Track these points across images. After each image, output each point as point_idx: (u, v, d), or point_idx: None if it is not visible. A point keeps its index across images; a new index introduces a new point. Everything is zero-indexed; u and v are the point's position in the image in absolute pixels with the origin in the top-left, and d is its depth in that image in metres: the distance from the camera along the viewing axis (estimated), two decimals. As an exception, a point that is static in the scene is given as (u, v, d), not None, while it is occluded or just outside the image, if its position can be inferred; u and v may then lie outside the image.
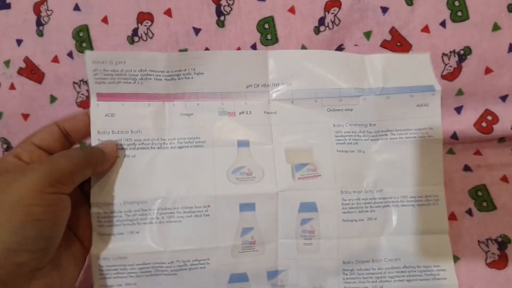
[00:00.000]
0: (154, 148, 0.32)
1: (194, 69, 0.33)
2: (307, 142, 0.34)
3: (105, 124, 0.32)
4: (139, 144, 0.32)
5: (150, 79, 0.32)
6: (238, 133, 0.34)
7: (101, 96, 0.32)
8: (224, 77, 0.34)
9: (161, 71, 0.32)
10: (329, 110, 0.34)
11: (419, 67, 0.35)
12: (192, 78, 0.33)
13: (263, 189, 0.32)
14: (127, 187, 0.31)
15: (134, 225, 0.31)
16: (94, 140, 0.32)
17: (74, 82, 0.39)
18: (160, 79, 0.33)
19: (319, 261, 0.33)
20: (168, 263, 0.31)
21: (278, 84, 0.34)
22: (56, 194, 0.25)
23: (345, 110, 0.34)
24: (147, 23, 0.38)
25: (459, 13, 0.37)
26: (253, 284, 0.33)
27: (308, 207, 0.33)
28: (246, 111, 0.34)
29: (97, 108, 0.32)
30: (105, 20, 0.39)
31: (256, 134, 0.34)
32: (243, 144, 0.33)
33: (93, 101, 0.32)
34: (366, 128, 0.34)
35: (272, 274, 0.33)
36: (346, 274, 0.33)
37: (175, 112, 0.33)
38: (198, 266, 0.32)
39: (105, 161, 0.30)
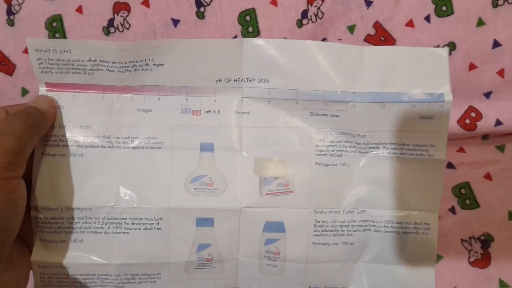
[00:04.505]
0: (104, 147, 0.29)
1: (152, 60, 0.28)
2: (282, 151, 0.30)
3: None
4: (88, 141, 0.29)
5: (102, 70, 0.28)
6: (202, 135, 0.29)
7: (51, 86, 0.29)
8: (190, 69, 0.29)
9: (113, 62, 0.28)
10: (312, 114, 0.30)
11: (431, 66, 0.29)
12: (151, 69, 0.29)
13: (224, 203, 0.29)
14: (70, 191, 0.28)
15: (77, 233, 0.29)
16: None
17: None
18: (113, 71, 0.29)
19: (282, 284, 0.30)
20: (115, 275, 0.29)
21: (254, 80, 0.29)
22: (13, 179, 0.24)
23: (331, 116, 0.29)
24: (123, 13, 0.37)
25: (444, 8, 0.36)
26: None
27: (274, 227, 0.29)
28: (214, 110, 0.30)
29: None
30: (79, 9, 0.37)
31: (223, 137, 0.30)
32: (207, 148, 0.29)
33: (42, 91, 0.29)
34: (354, 139, 0.30)
35: None
36: None
37: (131, 107, 0.29)
38: (148, 281, 0.29)
39: (46, 121, 0.28)
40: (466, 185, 0.38)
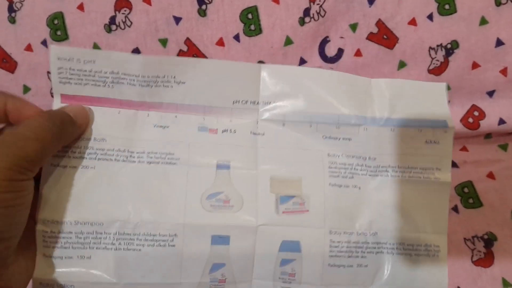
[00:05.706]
0: (118, 160, 0.28)
1: (174, 77, 0.29)
2: (297, 171, 0.30)
3: None
4: (101, 154, 0.28)
5: (123, 83, 0.28)
6: (219, 153, 0.29)
7: (66, 98, 0.28)
8: (209, 89, 0.30)
9: (136, 75, 0.28)
10: (324, 137, 0.30)
11: (432, 98, 0.31)
12: (171, 86, 0.29)
13: (240, 220, 0.28)
14: (81, 204, 0.27)
15: (85, 249, 0.27)
16: None
17: (48, 72, 0.37)
18: (134, 85, 0.29)
19: None
20: None
21: (270, 103, 0.30)
22: (26, 180, 0.24)
23: (343, 139, 0.30)
24: (125, 10, 0.37)
25: (447, 6, 0.36)
26: None
27: (291, 246, 0.29)
28: (230, 130, 0.30)
29: None
30: (81, 7, 0.37)
31: (239, 156, 0.30)
32: (223, 166, 0.29)
33: (57, 102, 0.28)
34: (364, 162, 0.30)
35: None
36: None
37: (148, 123, 0.29)
38: None
39: (75, 134, 0.27)
40: (469, 184, 0.38)
